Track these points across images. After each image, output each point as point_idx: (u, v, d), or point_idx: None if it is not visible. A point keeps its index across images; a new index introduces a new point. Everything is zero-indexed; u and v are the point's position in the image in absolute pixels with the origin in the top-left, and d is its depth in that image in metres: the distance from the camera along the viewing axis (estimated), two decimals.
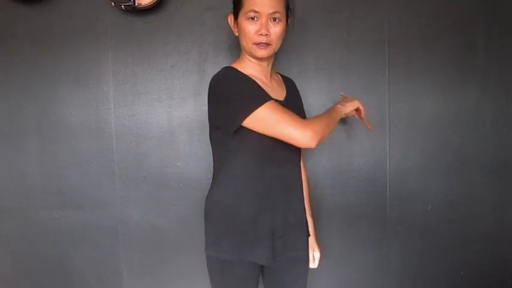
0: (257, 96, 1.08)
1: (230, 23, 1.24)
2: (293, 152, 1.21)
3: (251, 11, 1.12)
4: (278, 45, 1.19)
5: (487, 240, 1.78)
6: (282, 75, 1.36)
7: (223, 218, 1.17)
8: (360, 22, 1.67)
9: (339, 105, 1.26)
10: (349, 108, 1.31)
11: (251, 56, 1.21)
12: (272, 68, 1.29)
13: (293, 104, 1.23)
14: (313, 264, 1.39)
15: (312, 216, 1.43)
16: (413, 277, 1.80)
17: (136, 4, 1.53)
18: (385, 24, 1.67)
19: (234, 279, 1.19)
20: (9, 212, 1.73)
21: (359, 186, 1.73)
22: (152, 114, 1.69)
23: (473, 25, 1.69)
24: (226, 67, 1.21)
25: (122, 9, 1.58)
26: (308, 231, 1.32)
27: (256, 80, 1.18)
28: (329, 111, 1.22)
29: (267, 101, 1.06)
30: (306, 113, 1.42)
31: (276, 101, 1.12)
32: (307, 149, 1.41)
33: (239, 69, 1.20)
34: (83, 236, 1.74)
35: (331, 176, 1.72)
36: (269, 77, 1.25)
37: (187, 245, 1.72)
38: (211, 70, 1.63)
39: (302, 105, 1.38)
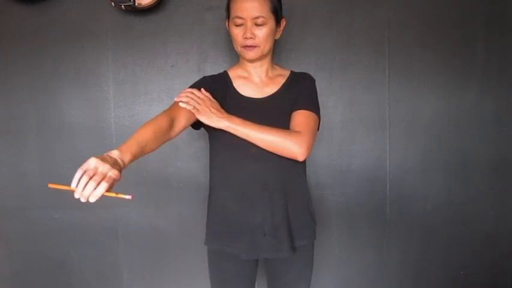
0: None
1: (228, 29, 1.27)
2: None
3: (236, 17, 1.18)
4: (267, 47, 1.22)
5: (487, 240, 1.78)
6: (293, 72, 1.32)
7: (211, 210, 1.28)
8: (360, 22, 1.67)
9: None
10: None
11: (243, 59, 1.26)
12: (271, 68, 1.29)
13: (275, 102, 1.23)
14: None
15: None
16: (413, 277, 1.80)
17: (136, 4, 1.53)
18: (385, 24, 1.67)
19: (225, 271, 1.27)
20: (9, 212, 1.73)
21: (359, 186, 1.73)
22: (152, 114, 1.67)
23: (473, 25, 1.69)
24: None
25: (122, 9, 1.58)
26: (310, 234, 1.29)
27: (244, 80, 1.27)
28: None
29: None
30: None
31: (250, 99, 1.23)
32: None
33: (230, 71, 1.30)
34: (83, 236, 1.74)
35: (331, 176, 1.72)
36: (263, 77, 1.27)
37: (187, 245, 1.72)
38: (211, 70, 1.63)
39: (297, 97, 1.24)
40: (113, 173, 0.79)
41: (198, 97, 1.16)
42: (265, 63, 1.27)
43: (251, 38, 1.17)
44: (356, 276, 1.79)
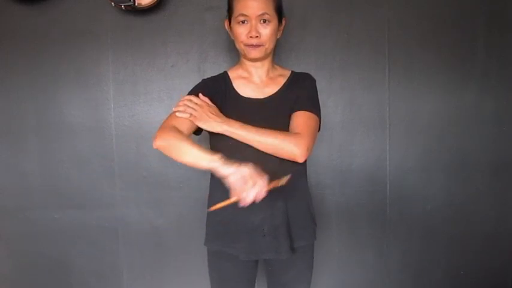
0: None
1: (227, 28, 1.27)
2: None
3: (240, 14, 1.16)
4: (271, 46, 1.21)
5: (487, 240, 1.79)
6: (294, 73, 1.31)
7: (211, 210, 1.26)
8: (360, 22, 1.67)
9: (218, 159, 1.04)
10: (227, 170, 1.02)
11: (245, 59, 1.25)
12: (271, 68, 1.29)
13: (276, 102, 1.23)
14: None
15: None
16: (413, 277, 1.80)
17: (136, 4, 1.53)
18: (385, 24, 1.67)
19: (225, 271, 1.27)
20: (9, 212, 1.73)
21: (359, 186, 1.73)
22: (152, 114, 1.69)
23: (473, 25, 1.69)
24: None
25: (122, 9, 1.58)
26: (310, 235, 1.29)
27: (244, 81, 1.26)
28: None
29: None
30: None
31: (249, 99, 1.22)
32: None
33: (231, 72, 1.29)
34: (83, 236, 1.74)
35: (331, 176, 1.72)
36: (264, 77, 1.27)
37: (187, 245, 1.72)
38: (211, 70, 1.63)
39: (297, 98, 1.23)
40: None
41: (196, 103, 1.15)
42: (267, 63, 1.26)
43: (256, 36, 1.16)
44: (356, 276, 1.79)
